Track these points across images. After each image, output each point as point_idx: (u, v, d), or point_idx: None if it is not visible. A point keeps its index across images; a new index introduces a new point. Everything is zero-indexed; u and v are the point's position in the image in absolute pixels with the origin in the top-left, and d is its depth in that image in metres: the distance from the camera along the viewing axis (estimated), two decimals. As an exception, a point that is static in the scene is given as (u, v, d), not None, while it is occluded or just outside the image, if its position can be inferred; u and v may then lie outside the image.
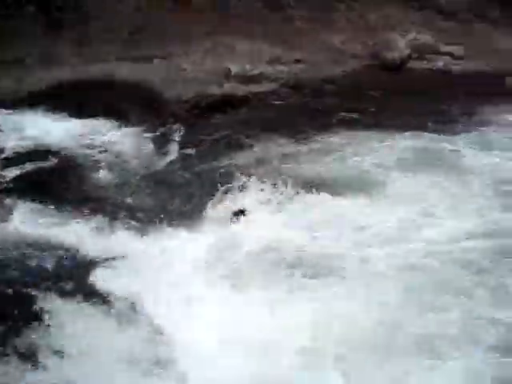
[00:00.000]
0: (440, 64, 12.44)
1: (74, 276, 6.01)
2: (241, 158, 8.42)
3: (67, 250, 6.40)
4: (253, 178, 7.52)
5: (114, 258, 6.26)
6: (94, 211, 7.07)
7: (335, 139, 8.72)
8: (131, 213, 7.12)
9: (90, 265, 6.19)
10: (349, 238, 6.26)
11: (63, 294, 5.71)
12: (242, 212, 6.91)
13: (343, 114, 9.88)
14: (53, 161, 8.38)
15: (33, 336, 5.17)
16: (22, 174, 7.97)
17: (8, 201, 7.22)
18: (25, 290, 5.73)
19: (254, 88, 11.05)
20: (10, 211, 7.03)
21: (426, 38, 12.78)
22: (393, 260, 5.85)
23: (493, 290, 5.41)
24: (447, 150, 8.24)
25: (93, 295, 5.72)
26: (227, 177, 7.76)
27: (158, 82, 10.83)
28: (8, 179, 7.85)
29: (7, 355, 5.02)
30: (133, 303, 5.57)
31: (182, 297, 5.63)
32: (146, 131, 9.26)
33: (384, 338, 4.99)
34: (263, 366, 4.79)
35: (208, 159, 8.43)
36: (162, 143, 8.97)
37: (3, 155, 8.45)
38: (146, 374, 4.88)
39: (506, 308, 5.21)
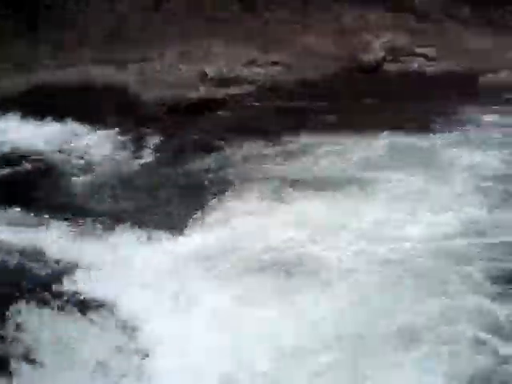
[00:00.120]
0: (415, 65, 12.57)
1: (48, 282, 5.91)
2: (217, 159, 8.42)
3: (41, 255, 6.29)
4: (229, 180, 7.49)
5: (89, 264, 6.17)
6: (69, 216, 6.97)
7: (311, 140, 8.73)
8: (107, 217, 7.04)
9: (64, 271, 6.10)
10: (324, 237, 6.25)
11: (37, 300, 5.62)
12: (217, 215, 6.86)
13: (320, 115, 9.92)
14: (27, 166, 8.30)
15: (5, 344, 5.09)
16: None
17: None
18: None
19: (231, 90, 11.07)
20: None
21: (400, 40, 12.91)
22: (370, 258, 5.85)
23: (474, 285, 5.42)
24: (423, 149, 8.29)
25: (67, 302, 5.63)
26: (204, 179, 7.76)
27: (133, 85, 10.80)
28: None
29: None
30: (108, 310, 5.50)
31: (159, 302, 5.56)
32: (121, 134, 9.20)
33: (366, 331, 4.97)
34: (234, 367, 4.75)
35: (184, 162, 8.41)
36: (137, 146, 8.92)
37: (-23, 160, 8.36)
38: (120, 381, 4.82)
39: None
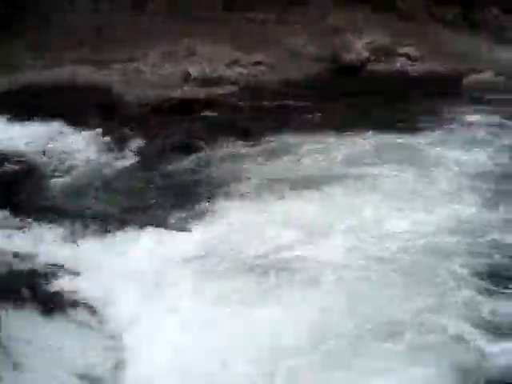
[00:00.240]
0: (398, 65, 12.63)
1: (33, 285, 5.85)
2: (200, 159, 8.39)
3: (25, 257, 6.23)
4: (212, 181, 7.49)
5: (74, 266, 6.11)
6: (53, 217, 6.91)
7: (294, 140, 8.73)
8: (91, 218, 6.98)
9: (49, 273, 6.04)
10: (309, 235, 6.24)
11: (22, 303, 5.56)
12: (200, 216, 6.83)
13: (303, 115, 9.94)
14: (10, 167, 8.22)
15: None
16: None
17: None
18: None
19: (214, 90, 11.06)
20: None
21: (383, 40, 12.96)
22: (357, 255, 5.86)
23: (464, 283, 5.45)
24: (408, 147, 8.32)
25: (53, 304, 5.57)
26: (186, 180, 7.74)
27: (117, 85, 10.75)
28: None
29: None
30: (93, 312, 5.45)
31: (143, 303, 5.52)
32: (105, 135, 9.15)
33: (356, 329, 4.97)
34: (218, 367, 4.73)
35: (167, 161, 8.37)
36: (120, 147, 8.87)
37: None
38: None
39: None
